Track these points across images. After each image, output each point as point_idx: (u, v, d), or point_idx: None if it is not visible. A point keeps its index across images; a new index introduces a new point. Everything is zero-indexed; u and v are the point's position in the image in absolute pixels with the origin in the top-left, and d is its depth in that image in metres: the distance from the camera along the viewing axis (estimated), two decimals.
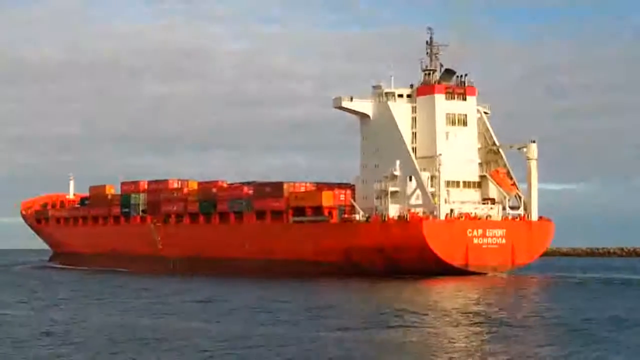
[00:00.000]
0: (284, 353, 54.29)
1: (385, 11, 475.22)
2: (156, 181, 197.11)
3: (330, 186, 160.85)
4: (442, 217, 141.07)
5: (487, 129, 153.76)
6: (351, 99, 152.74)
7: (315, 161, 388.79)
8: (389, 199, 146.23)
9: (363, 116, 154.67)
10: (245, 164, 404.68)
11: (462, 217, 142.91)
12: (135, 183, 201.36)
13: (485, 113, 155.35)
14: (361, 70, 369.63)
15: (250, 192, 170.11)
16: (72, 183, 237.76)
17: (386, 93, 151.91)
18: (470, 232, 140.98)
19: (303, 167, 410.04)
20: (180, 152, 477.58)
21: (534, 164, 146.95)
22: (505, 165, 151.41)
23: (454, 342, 59.08)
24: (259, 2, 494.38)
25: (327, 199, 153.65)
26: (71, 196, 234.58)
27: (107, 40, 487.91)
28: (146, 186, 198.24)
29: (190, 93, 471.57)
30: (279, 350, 55.43)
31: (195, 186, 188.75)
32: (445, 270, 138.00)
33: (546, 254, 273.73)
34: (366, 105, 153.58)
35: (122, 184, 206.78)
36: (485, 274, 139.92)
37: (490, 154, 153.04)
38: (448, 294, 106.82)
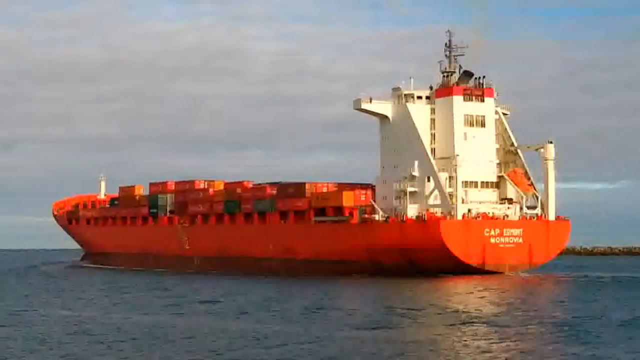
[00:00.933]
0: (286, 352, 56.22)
1: (421, 10, 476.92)
2: (183, 182, 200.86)
3: (352, 186, 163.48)
4: (459, 217, 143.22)
5: (506, 130, 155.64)
6: (370, 100, 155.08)
7: (349, 161, 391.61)
8: (408, 199, 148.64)
9: (383, 117, 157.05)
10: (280, 164, 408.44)
11: (479, 217, 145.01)
12: (163, 184, 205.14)
13: (504, 114, 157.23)
14: (396, 69, 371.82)
15: (274, 192, 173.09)
16: (103, 184, 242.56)
17: (405, 95, 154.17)
18: (487, 232, 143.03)
19: (337, 167, 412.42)
20: (215, 152, 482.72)
21: (551, 165, 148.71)
22: (523, 166, 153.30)
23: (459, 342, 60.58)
24: (294, 1, 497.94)
25: (347, 199, 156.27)
26: (102, 197, 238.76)
27: (144, 41, 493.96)
28: (173, 187, 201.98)
29: (226, 93, 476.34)
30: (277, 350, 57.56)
31: (221, 186, 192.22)
32: (462, 269, 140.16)
33: (574, 252, 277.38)
34: (385, 107, 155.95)
35: (151, 184, 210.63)
36: (502, 272, 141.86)
37: (508, 155, 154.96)
38: (445, 293, 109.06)
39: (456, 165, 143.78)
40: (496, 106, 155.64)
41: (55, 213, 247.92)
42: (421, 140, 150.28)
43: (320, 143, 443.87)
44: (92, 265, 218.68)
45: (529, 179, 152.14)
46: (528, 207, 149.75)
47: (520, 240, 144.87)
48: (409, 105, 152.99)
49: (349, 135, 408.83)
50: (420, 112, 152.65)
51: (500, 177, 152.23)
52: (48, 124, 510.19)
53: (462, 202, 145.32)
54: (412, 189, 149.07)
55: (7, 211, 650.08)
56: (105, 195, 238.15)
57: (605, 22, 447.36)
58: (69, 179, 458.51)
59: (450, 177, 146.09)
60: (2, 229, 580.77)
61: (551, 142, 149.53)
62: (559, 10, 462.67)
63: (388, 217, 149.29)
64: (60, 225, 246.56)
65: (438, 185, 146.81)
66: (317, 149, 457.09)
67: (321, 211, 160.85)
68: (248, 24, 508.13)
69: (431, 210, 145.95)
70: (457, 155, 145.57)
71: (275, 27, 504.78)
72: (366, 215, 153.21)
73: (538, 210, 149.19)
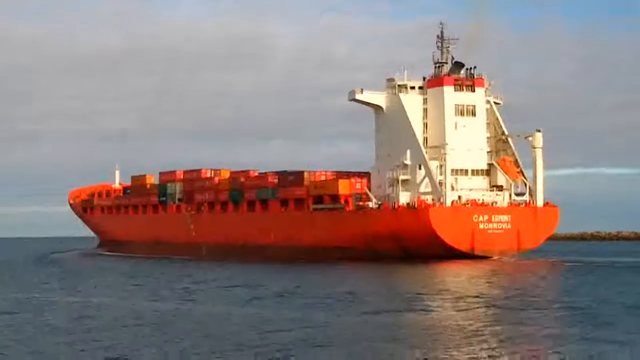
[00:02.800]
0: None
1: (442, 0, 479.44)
2: (191, 171, 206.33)
3: (349, 175, 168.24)
4: (449, 204, 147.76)
5: (497, 119, 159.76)
6: (361, 91, 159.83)
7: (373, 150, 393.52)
8: (400, 187, 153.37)
9: (377, 108, 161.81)
10: (303, 154, 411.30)
11: (468, 203, 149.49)
12: (172, 173, 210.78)
13: (496, 103, 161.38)
14: (419, 58, 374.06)
15: (275, 181, 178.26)
16: (117, 173, 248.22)
17: (399, 85, 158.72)
18: (476, 218, 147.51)
19: (360, 156, 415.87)
20: (238, 142, 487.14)
21: (539, 152, 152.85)
22: (513, 154, 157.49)
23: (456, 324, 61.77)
24: None
25: (343, 188, 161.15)
26: (117, 186, 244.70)
27: (165, 32, 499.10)
28: (182, 176, 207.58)
29: (248, 83, 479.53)
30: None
31: (227, 175, 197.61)
32: (452, 254, 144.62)
33: (574, 238, 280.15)
34: (379, 98, 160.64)
35: (161, 173, 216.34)
36: (490, 258, 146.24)
37: (499, 143, 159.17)
38: (443, 278, 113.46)
39: (445, 154, 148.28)
40: (488, 96, 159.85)
41: (71, 202, 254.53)
42: (413, 130, 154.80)
43: (342, 133, 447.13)
44: (106, 253, 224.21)
45: (518, 166, 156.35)
46: (517, 194, 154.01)
47: (509, 226, 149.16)
48: (402, 95, 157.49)
49: (372, 125, 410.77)
50: (412, 102, 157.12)
51: (490, 165, 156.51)
52: (70, 116, 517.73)
53: (452, 189, 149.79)
54: (404, 177, 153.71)
55: (31, 201, 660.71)
56: (119, 184, 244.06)
57: (623, 21, 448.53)
58: (92, 169, 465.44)
59: (441, 165, 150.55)
60: (26, 218, 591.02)
61: (539, 131, 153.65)
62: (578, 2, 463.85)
63: (381, 205, 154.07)
64: (76, 214, 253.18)
65: (428, 173, 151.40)
66: (339, 138, 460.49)
67: (319, 199, 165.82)
68: (270, 14, 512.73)
69: (422, 197, 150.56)
70: (446, 144, 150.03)
71: (297, 17, 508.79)
72: (361, 203, 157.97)
73: (526, 197, 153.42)
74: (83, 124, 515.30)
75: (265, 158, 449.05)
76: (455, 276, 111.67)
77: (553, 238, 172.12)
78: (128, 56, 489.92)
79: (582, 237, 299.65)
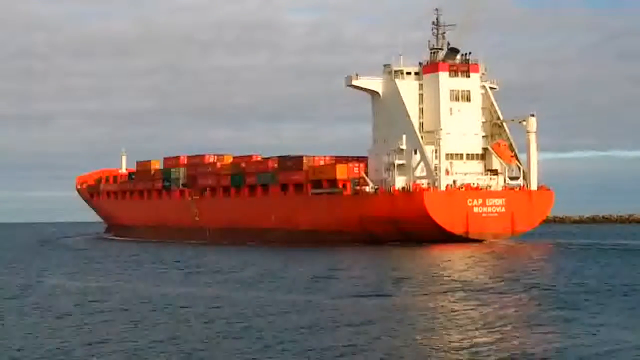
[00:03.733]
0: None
1: None
2: (194, 156, 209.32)
3: (347, 159, 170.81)
4: (443, 188, 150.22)
5: (492, 104, 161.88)
6: (356, 76, 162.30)
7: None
8: (396, 172, 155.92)
9: (373, 93, 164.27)
10: (317, 135, 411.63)
11: (462, 187, 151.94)
12: (176, 158, 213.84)
13: (492, 88, 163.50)
14: (431, 38, 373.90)
15: (275, 165, 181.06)
16: (124, 158, 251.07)
17: (395, 71, 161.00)
18: (470, 202, 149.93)
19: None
20: (250, 124, 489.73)
21: (532, 137, 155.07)
22: (508, 138, 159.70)
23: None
24: None
25: (341, 172, 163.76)
26: (123, 171, 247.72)
27: (177, 14, 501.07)
28: (186, 161, 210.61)
29: (260, 65, 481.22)
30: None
31: (230, 160, 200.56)
32: (447, 237, 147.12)
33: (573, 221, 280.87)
34: (376, 83, 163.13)
35: (165, 158, 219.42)
36: (484, 241, 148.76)
37: (494, 128, 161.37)
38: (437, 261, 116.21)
39: (439, 139, 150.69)
40: (484, 81, 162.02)
41: (79, 187, 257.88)
42: (408, 115, 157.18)
43: (355, 114, 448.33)
44: (115, 238, 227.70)
45: (512, 151, 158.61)
46: (511, 178, 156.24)
47: (503, 209, 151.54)
48: (398, 81, 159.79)
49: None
50: (408, 88, 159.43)
51: (485, 150, 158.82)
52: (83, 99, 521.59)
53: (447, 173, 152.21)
54: (400, 162, 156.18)
55: (44, 185, 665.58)
56: (126, 169, 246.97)
57: None
58: (104, 152, 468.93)
59: (435, 150, 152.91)
60: (38, 203, 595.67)
61: (533, 115, 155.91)
62: None
63: (377, 189, 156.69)
64: (83, 199, 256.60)
65: (424, 157, 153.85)
66: (352, 120, 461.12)
67: (318, 183, 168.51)
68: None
69: (417, 181, 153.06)
70: (441, 129, 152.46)
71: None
72: (358, 187, 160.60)
73: (520, 181, 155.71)
74: (96, 103, 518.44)
75: (277, 140, 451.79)
76: (438, 259, 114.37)
77: (560, 221, 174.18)
78: (139, 39, 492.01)
79: (594, 220, 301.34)
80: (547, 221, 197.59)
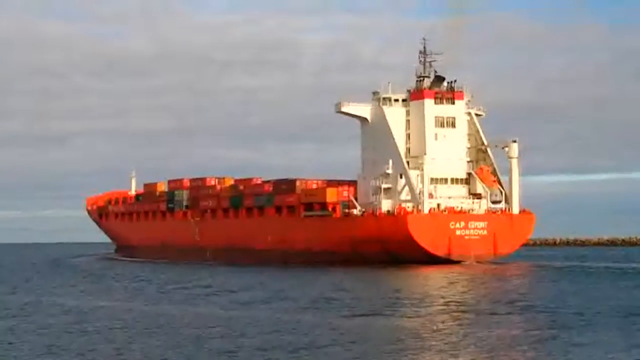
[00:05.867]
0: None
1: None
2: (196, 179, 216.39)
3: (339, 183, 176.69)
4: (426, 211, 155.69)
5: (477, 130, 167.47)
6: (347, 103, 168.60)
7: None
8: (383, 195, 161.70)
9: (362, 119, 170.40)
10: (331, 157, 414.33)
11: (446, 210, 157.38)
12: (180, 180, 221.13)
13: (478, 115, 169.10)
14: (447, 58, 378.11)
15: (271, 188, 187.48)
16: (133, 181, 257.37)
17: (383, 98, 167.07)
18: (452, 225, 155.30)
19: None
20: (266, 144, 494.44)
21: (514, 162, 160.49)
22: (491, 164, 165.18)
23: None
24: None
25: (331, 195, 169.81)
26: (132, 192, 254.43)
27: (194, 34, 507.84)
28: (188, 183, 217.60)
29: (276, 85, 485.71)
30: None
31: (230, 183, 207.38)
32: (430, 259, 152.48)
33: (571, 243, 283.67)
34: (364, 110, 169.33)
35: (169, 181, 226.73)
36: (465, 262, 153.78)
37: (479, 153, 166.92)
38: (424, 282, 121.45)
39: (422, 164, 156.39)
40: (470, 108, 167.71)
41: (89, 208, 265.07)
42: (394, 141, 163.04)
43: None
44: (125, 259, 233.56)
45: (495, 175, 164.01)
46: (494, 202, 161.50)
47: (485, 232, 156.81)
48: (385, 108, 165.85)
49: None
50: (395, 115, 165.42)
51: (469, 174, 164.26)
52: (100, 118, 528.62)
53: (432, 197, 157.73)
54: (386, 186, 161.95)
55: (59, 204, 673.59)
56: (135, 191, 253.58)
57: None
58: (117, 172, 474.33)
59: (420, 175, 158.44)
60: (49, 223, 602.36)
61: (515, 141, 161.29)
62: None
63: (364, 212, 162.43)
64: (93, 220, 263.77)
65: (408, 182, 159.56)
66: None
67: (310, 206, 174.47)
68: (297, 16, 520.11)
69: (403, 205, 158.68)
70: (425, 154, 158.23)
71: (324, 18, 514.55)
72: (347, 210, 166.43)
73: (502, 205, 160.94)
74: (113, 122, 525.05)
75: (291, 161, 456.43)
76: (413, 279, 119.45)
77: (546, 244, 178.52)
78: (156, 59, 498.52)
79: (584, 243, 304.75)
80: (561, 244, 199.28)
